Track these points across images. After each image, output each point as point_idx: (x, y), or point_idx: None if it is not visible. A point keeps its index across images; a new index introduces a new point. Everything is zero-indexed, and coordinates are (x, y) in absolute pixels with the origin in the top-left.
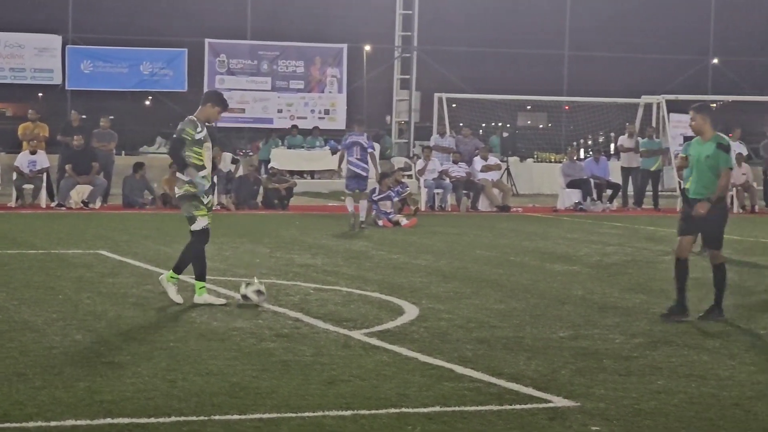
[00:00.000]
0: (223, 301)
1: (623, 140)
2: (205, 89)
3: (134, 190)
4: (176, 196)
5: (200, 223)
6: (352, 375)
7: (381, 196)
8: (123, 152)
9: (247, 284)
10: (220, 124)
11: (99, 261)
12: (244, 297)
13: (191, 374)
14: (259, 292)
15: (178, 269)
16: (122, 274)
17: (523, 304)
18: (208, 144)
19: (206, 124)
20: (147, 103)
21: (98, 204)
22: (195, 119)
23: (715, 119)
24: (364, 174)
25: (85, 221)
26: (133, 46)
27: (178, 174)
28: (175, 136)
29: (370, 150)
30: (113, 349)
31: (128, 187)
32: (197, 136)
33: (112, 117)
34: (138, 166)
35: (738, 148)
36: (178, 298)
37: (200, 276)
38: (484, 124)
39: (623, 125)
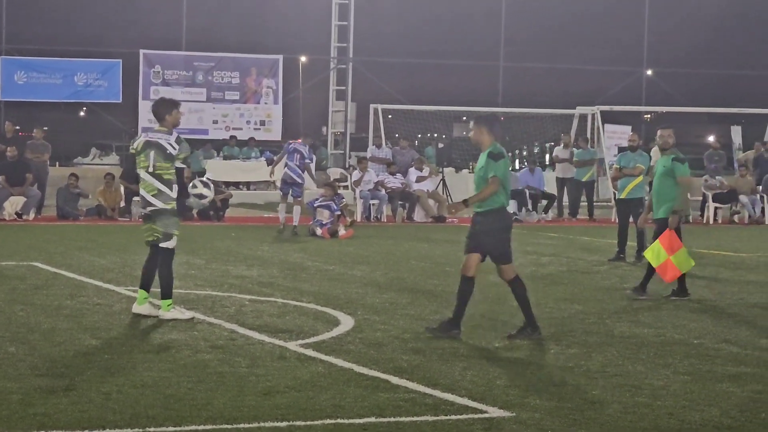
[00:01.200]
0: (191, 316)
1: (558, 151)
2: (140, 100)
3: (68, 202)
4: (154, 208)
5: (174, 242)
6: (287, 386)
7: (322, 203)
8: (57, 163)
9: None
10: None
11: (33, 273)
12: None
13: (126, 386)
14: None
15: (167, 293)
16: (56, 285)
17: None
18: None
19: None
20: (81, 114)
21: (32, 215)
22: (169, 131)
23: (493, 130)
24: (300, 181)
25: (19, 233)
26: (67, 57)
27: (159, 188)
28: (182, 152)
29: (308, 160)
30: (47, 361)
31: (62, 199)
32: (180, 155)
33: (46, 128)
34: (73, 177)
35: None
36: (188, 315)
37: (169, 293)
38: (420, 135)
39: (558, 136)
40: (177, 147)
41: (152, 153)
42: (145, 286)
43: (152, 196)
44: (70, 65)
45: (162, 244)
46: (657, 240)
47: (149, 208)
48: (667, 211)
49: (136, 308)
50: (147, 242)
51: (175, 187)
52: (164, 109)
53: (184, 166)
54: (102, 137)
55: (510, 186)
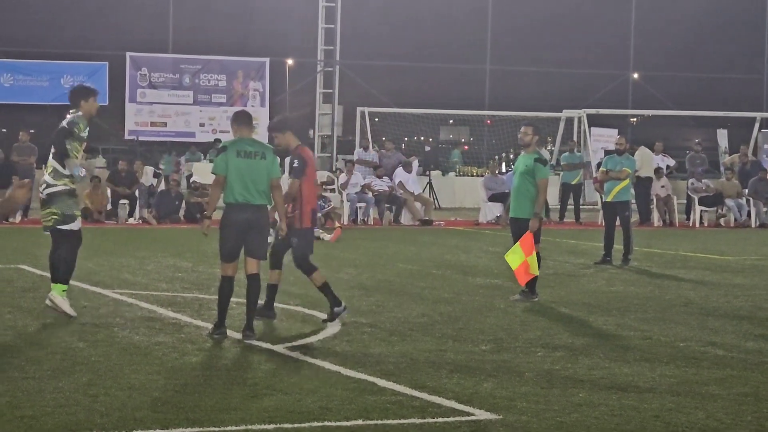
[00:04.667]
0: (73, 314)
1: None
2: (127, 103)
3: None
4: (47, 191)
5: (78, 223)
6: (274, 389)
7: None
8: (43, 166)
9: None
10: (141, 138)
11: (19, 275)
12: None
13: (113, 389)
14: None
15: (65, 279)
16: (43, 288)
17: (445, 317)
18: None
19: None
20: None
21: (18, 218)
22: (83, 116)
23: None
24: None
25: (6, 235)
26: (53, 60)
27: (55, 167)
28: (65, 126)
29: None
30: (34, 364)
31: None
32: (83, 134)
33: (32, 131)
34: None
35: (661, 161)
36: (72, 312)
37: (66, 279)
38: (406, 138)
39: (545, 139)
40: (83, 127)
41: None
42: (57, 278)
43: (48, 175)
44: (56, 68)
45: (62, 226)
46: (518, 243)
47: (45, 191)
48: (527, 212)
49: (53, 298)
50: (46, 228)
51: (72, 163)
52: (78, 96)
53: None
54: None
55: None
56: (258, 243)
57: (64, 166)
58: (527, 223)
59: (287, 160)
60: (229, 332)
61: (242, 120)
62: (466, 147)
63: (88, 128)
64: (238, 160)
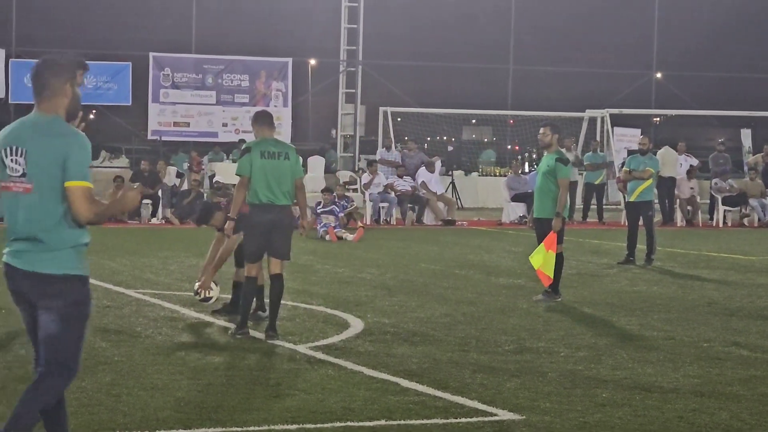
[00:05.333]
0: None
1: None
2: (150, 103)
3: None
4: None
5: None
6: (297, 389)
7: (324, 209)
8: None
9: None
10: (164, 138)
11: None
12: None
13: (136, 389)
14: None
15: None
16: None
17: (468, 317)
18: None
19: None
20: (91, 116)
21: None
22: None
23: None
24: None
25: None
26: None
27: None
28: None
29: None
30: None
31: None
32: None
33: None
34: None
35: (684, 161)
36: None
37: None
38: (429, 138)
39: (570, 140)
40: None
41: None
42: None
43: None
44: None
45: None
46: (542, 243)
47: None
48: (550, 212)
49: None
50: None
51: None
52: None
53: None
54: (112, 140)
55: None
56: (282, 243)
57: None
58: (550, 222)
59: None
60: (251, 332)
61: (263, 120)
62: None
63: None
64: (262, 161)
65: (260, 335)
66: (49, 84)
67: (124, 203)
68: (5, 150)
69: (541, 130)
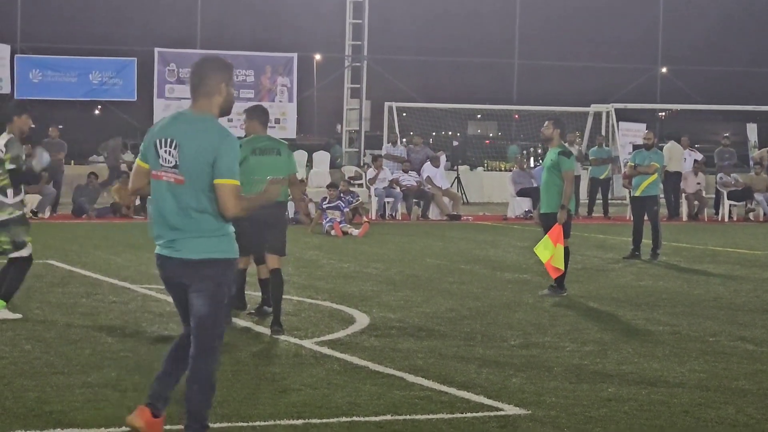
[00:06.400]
0: (18, 316)
1: None
2: (155, 98)
3: (86, 199)
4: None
5: (29, 249)
6: (303, 384)
7: (329, 204)
8: (72, 162)
9: None
10: None
11: (48, 270)
12: None
13: (141, 384)
14: None
15: (7, 297)
16: (71, 283)
17: (473, 312)
18: None
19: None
20: (96, 112)
21: (47, 213)
22: (14, 138)
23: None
24: None
25: (34, 231)
26: (82, 55)
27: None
28: (9, 152)
29: None
30: (63, 359)
31: (79, 195)
32: (7, 165)
33: (61, 126)
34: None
35: (689, 156)
36: (14, 315)
37: (8, 298)
38: (434, 133)
39: (573, 134)
40: (4, 149)
41: None
42: (7, 296)
43: None
44: (85, 63)
45: (14, 255)
46: (547, 235)
47: None
48: (556, 206)
49: None
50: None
51: (11, 192)
52: (12, 111)
53: (13, 166)
54: (117, 135)
55: None
56: (276, 239)
57: (6, 195)
58: (555, 216)
59: None
60: (257, 328)
61: (257, 115)
62: (487, 142)
63: (20, 148)
64: (254, 158)
65: (266, 330)
66: (207, 82)
67: (269, 197)
68: (159, 141)
69: (545, 123)
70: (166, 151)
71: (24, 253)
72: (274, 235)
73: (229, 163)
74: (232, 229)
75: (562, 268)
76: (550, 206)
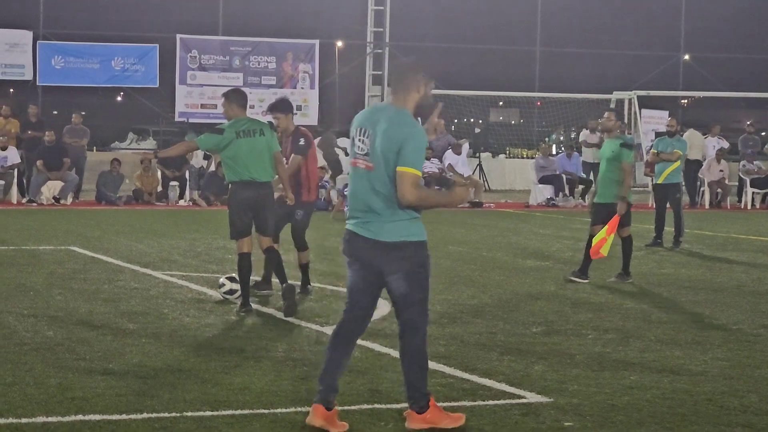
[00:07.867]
0: None
1: (585, 135)
2: (177, 85)
3: (109, 186)
4: None
5: None
6: None
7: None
8: (94, 148)
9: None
10: (192, 120)
11: (70, 257)
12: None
13: (163, 370)
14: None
15: None
16: (94, 270)
17: (495, 299)
18: None
19: None
20: (118, 98)
21: (69, 200)
22: None
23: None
24: None
25: (57, 217)
26: (104, 42)
27: None
28: None
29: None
30: (85, 345)
31: (103, 182)
32: None
33: (83, 113)
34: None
35: (717, 143)
36: None
37: None
38: (456, 120)
39: (593, 120)
40: None
41: None
42: None
43: None
44: (107, 50)
45: None
46: (607, 225)
47: None
48: (613, 197)
49: None
50: None
51: None
52: None
53: None
54: (139, 122)
55: None
56: (266, 219)
57: None
58: (614, 207)
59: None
60: (276, 313)
61: (235, 98)
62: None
63: None
64: (239, 140)
65: (279, 314)
66: (406, 80)
67: (453, 199)
68: (357, 130)
69: (606, 114)
70: (360, 140)
71: None
72: (262, 215)
73: (413, 154)
74: (418, 214)
75: (605, 253)
76: (608, 197)
